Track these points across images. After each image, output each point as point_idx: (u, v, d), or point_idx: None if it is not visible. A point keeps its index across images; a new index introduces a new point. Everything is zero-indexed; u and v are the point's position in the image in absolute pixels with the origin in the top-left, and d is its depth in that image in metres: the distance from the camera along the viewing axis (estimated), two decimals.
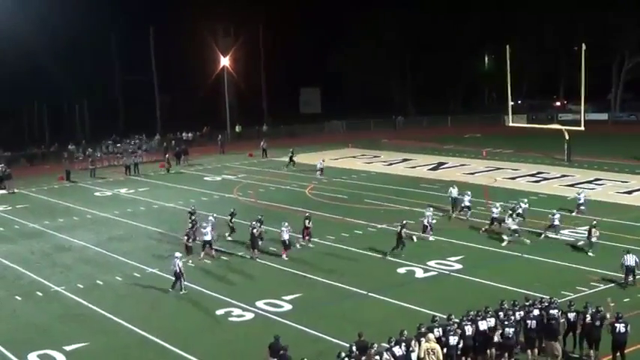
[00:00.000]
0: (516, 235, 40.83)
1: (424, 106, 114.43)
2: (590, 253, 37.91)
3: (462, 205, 46.87)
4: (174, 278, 34.53)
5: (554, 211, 42.85)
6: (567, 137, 69.96)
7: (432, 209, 44.56)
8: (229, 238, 42.77)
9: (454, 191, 49.36)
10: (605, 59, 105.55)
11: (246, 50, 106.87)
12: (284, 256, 39.34)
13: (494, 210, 43.86)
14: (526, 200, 46.56)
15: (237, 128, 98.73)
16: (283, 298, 32.83)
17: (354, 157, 77.23)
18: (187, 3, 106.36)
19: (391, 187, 59.18)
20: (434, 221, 43.50)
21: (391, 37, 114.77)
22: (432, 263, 37.51)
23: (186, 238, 39.56)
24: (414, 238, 41.91)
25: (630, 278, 33.01)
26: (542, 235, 41.85)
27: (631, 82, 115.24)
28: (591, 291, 31.87)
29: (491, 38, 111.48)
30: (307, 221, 41.79)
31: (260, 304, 32.17)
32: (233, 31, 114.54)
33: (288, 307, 31.93)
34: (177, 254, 35.42)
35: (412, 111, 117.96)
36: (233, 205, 48.78)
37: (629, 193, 54.35)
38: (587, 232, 39.16)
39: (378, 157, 76.15)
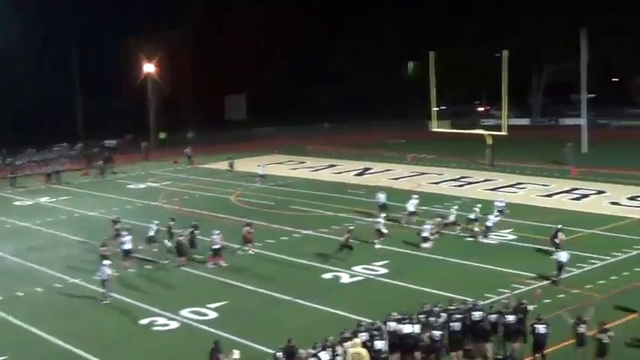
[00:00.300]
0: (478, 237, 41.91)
1: (350, 112, 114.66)
2: (553, 256, 37.72)
3: (410, 210, 46.45)
4: (103, 287, 34.05)
5: (491, 216, 43.28)
6: (490, 142, 70.83)
7: (383, 215, 44.65)
8: (169, 244, 41.89)
9: (382, 197, 49.55)
10: (526, 65, 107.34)
11: (171, 56, 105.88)
12: (210, 264, 39.02)
13: (452, 212, 44.18)
14: (480, 205, 46.91)
15: (162, 135, 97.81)
16: (208, 306, 32.57)
17: (280, 163, 77.08)
18: (109, 10, 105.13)
19: (317, 193, 59.23)
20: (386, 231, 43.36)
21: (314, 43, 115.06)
22: (357, 268, 37.57)
23: (102, 248, 38.91)
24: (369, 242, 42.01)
25: (562, 275, 34.23)
26: (481, 237, 42.27)
27: (551, 87, 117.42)
28: (514, 292, 32.21)
29: (415, 45, 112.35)
30: (248, 227, 41.53)
31: (185, 312, 31.88)
32: (158, 37, 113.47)
33: (213, 315, 31.69)
34: (106, 262, 34.93)
35: (338, 117, 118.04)
36: (158, 213, 48.31)
37: (550, 196, 55.22)
38: (552, 236, 39.26)
39: (303, 163, 76.15)
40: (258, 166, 66.69)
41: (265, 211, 52.28)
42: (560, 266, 34.36)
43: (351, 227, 41.03)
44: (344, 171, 70.56)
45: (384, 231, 42.27)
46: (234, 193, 60.38)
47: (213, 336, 27.81)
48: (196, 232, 41.14)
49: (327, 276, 36.80)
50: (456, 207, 45.73)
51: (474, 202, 49.77)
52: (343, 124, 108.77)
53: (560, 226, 39.79)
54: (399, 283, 35.18)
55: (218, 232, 39.82)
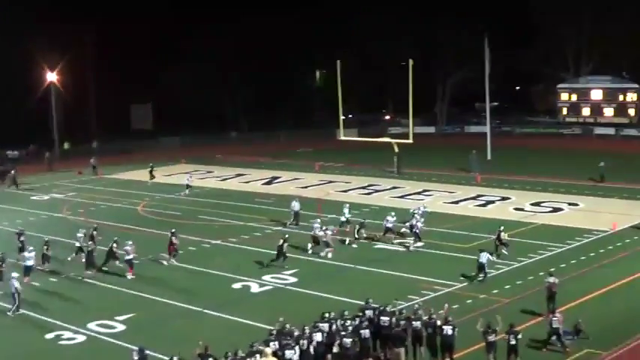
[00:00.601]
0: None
1: (257, 122, 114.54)
2: (504, 251, 39.79)
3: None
4: (14, 300, 33.31)
5: (418, 223, 43.63)
6: (397, 150, 71.53)
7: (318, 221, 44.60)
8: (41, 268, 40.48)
9: (296, 205, 49.68)
10: (431, 74, 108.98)
11: (74, 65, 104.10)
12: (130, 275, 38.47)
13: (389, 219, 44.14)
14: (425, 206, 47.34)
15: (66, 145, 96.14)
16: (116, 318, 32.10)
17: (187, 172, 76.31)
18: (13, 19, 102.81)
19: (225, 202, 58.93)
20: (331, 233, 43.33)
21: (220, 52, 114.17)
22: (267, 278, 37.52)
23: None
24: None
25: (481, 276, 35.69)
26: (411, 247, 42.57)
27: (455, 95, 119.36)
28: (423, 299, 32.54)
29: (322, 54, 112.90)
30: (174, 237, 41.12)
31: (92, 325, 31.34)
32: (61, 46, 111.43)
33: (121, 327, 31.24)
34: (14, 274, 34.15)
35: (245, 126, 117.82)
36: (63, 225, 47.36)
37: (456, 203, 56.03)
38: (496, 237, 40.64)
39: (211, 173, 75.68)
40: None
41: (173, 222, 51.60)
42: (481, 267, 35.70)
43: (287, 235, 40.91)
44: (252, 180, 70.37)
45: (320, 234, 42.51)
46: (141, 204, 59.66)
47: (120, 349, 27.46)
48: (114, 245, 40.35)
49: (237, 286, 36.64)
50: (393, 213, 45.64)
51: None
52: (251, 134, 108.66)
53: (502, 227, 41.10)
54: (308, 291, 35.24)
55: (131, 242, 39.31)
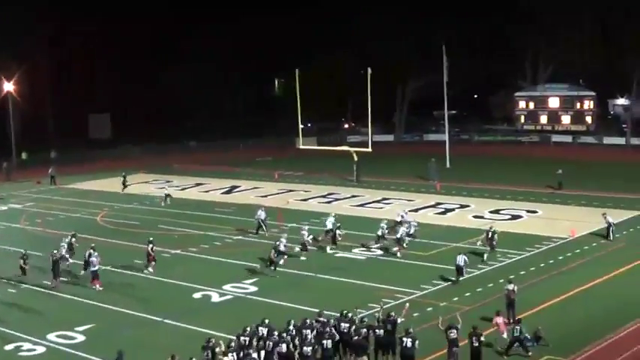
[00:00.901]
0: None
1: (217, 130, 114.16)
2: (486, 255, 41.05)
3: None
4: None
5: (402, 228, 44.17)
6: (356, 158, 71.70)
7: (307, 227, 45.06)
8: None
9: (262, 214, 49.64)
10: (389, 83, 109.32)
11: (32, 75, 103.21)
12: (98, 286, 38.14)
13: (383, 226, 44.62)
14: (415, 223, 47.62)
15: (24, 155, 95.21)
16: (76, 329, 31.83)
17: (146, 182, 76.08)
18: None
19: (185, 211, 58.66)
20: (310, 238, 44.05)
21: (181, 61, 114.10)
22: (227, 287, 37.42)
23: None
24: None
25: (461, 277, 37.11)
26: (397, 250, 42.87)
27: (414, 104, 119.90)
28: (385, 307, 32.52)
29: (281, 62, 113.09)
30: (151, 246, 41.02)
31: (51, 336, 31.07)
32: (18, 55, 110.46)
33: (81, 338, 31.00)
34: None
35: (205, 135, 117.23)
36: (21, 236, 46.83)
37: (416, 211, 56.17)
38: (488, 237, 42.35)
39: (170, 182, 75.27)
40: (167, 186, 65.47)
41: (132, 231, 51.38)
42: (459, 269, 37.07)
43: (277, 243, 40.89)
44: (211, 189, 70.15)
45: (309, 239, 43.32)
46: (100, 214, 59.22)
47: None
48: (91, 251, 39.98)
49: (198, 295, 36.51)
50: (385, 222, 45.95)
51: (342, 218, 50.19)
52: (210, 143, 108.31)
53: (492, 227, 42.72)
54: (269, 300, 35.17)
55: (97, 254, 39.01)
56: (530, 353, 27.46)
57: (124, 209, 60.93)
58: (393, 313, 27.29)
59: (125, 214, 58.95)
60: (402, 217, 47.96)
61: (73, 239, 42.97)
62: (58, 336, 31.13)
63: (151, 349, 28.58)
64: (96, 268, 38.37)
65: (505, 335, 28.36)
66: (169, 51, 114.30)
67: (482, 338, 25.93)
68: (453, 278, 37.11)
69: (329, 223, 45.92)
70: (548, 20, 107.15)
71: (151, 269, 40.77)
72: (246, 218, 51.96)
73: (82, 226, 54.42)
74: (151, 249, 40.95)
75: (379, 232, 44.50)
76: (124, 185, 70.49)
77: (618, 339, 29.15)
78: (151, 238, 42.17)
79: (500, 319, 28.89)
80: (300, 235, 44.03)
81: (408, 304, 28.61)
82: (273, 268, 40.13)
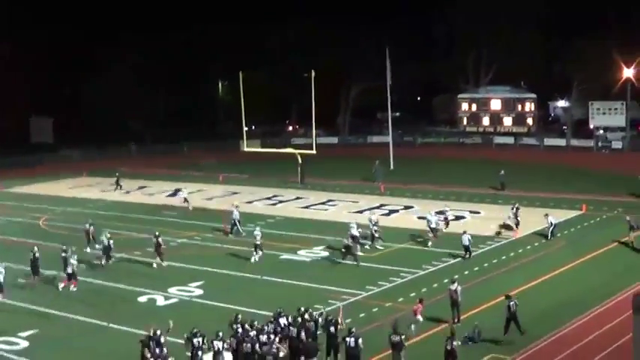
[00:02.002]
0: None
1: (160, 134, 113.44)
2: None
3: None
4: None
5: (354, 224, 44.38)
6: (300, 161, 71.82)
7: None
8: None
9: (237, 213, 50.18)
10: (334, 85, 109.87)
11: None
12: (72, 287, 38.19)
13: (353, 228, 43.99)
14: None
15: None
16: (19, 334, 31.49)
17: (89, 185, 75.42)
18: None
19: (130, 215, 58.27)
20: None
21: (124, 63, 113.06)
22: (172, 290, 37.31)
23: None
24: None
25: (467, 255, 41.51)
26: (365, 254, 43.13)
27: (358, 106, 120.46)
28: (329, 308, 32.76)
29: (224, 65, 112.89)
30: (159, 239, 42.39)
31: None
32: None
33: (24, 344, 30.69)
34: None
35: (148, 139, 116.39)
36: None
37: (360, 212, 56.35)
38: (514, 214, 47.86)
39: (114, 186, 74.57)
40: (184, 190, 64.63)
41: (76, 235, 50.70)
42: (466, 248, 41.46)
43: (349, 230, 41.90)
44: (156, 192, 69.75)
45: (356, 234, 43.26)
46: (43, 218, 58.55)
47: None
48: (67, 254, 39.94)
49: (143, 299, 36.36)
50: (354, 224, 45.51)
51: (287, 220, 50.27)
52: (153, 146, 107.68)
53: (517, 204, 47.76)
54: (215, 303, 35.13)
55: (75, 255, 39.13)
56: (523, 333, 29.29)
57: (66, 213, 60.36)
58: (330, 317, 27.46)
59: (68, 217, 58.37)
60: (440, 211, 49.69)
61: (92, 227, 46.42)
62: (0, 342, 30.79)
63: (95, 355, 28.43)
64: (71, 270, 38.42)
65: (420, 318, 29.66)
66: (102, 54, 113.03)
67: (455, 342, 26.07)
68: (466, 256, 41.45)
69: (434, 220, 46.73)
70: (488, 23, 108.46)
71: (159, 261, 42.05)
72: (193, 222, 51.75)
73: (24, 230, 53.92)
74: (160, 241, 42.28)
75: (353, 232, 43.79)
76: (118, 185, 70.48)
77: (558, 337, 29.63)
78: (157, 232, 43.14)
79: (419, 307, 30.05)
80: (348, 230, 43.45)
81: (341, 306, 28.79)
82: (353, 255, 41.23)
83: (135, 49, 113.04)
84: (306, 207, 59.94)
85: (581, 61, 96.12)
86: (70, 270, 38.38)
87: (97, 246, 44.69)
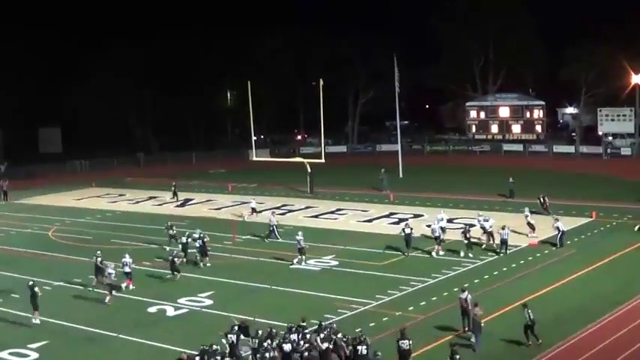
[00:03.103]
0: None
1: (168, 143, 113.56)
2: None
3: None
4: None
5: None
6: (309, 170, 71.73)
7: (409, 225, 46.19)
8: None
9: (273, 219, 51.08)
10: (341, 93, 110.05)
11: None
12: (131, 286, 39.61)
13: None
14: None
15: None
16: (29, 346, 31.45)
17: (98, 196, 75.34)
18: None
19: (139, 225, 58.23)
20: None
21: (128, 71, 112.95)
22: (182, 300, 37.21)
23: None
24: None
25: (502, 250, 44.00)
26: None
27: (366, 114, 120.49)
28: (339, 317, 32.68)
29: (232, 74, 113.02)
30: (205, 239, 44.23)
31: (4, 354, 30.76)
32: None
33: (34, 355, 30.66)
34: None
35: (155, 148, 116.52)
36: None
37: (370, 221, 56.34)
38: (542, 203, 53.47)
39: (123, 196, 74.66)
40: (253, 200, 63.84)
41: (84, 246, 50.71)
42: (503, 242, 43.90)
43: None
44: (165, 202, 69.72)
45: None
46: (52, 229, 58.56)
47: None
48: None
49: (153, 309, 36.27)
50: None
51: (296, 229, 50.18)
52: (162, 155, 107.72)
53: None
54: (224, 313, 34.98)
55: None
56: (540, 341, 29.07)
57: (75, 224, 60.37)
58: (332, 335, 27.32)
59: (77, 228, 58.39)
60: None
61: (171, 231, 48.43)
62: (10, 354, 30.80)
63: None
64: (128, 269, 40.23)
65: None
66: (103, 63, 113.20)
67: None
68: (502, 251, 43.78)
69: (437, 228, 46.22)
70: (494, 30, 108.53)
71: (208, 263, 43.79)
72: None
73: (34, 241, 53.90)
74: (205, 240, 43.98)
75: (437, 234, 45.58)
76: (175, 195, 70.47)
77: (570, 345, 29.45)
78: (202, 233, 44.72)
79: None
80: (297, 241, 43.93)
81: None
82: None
83: (139, 57, 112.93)
84: (316, 216, 59.83)
85: (590, 67, 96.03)
86: (127, 269, 39.95)
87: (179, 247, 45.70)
